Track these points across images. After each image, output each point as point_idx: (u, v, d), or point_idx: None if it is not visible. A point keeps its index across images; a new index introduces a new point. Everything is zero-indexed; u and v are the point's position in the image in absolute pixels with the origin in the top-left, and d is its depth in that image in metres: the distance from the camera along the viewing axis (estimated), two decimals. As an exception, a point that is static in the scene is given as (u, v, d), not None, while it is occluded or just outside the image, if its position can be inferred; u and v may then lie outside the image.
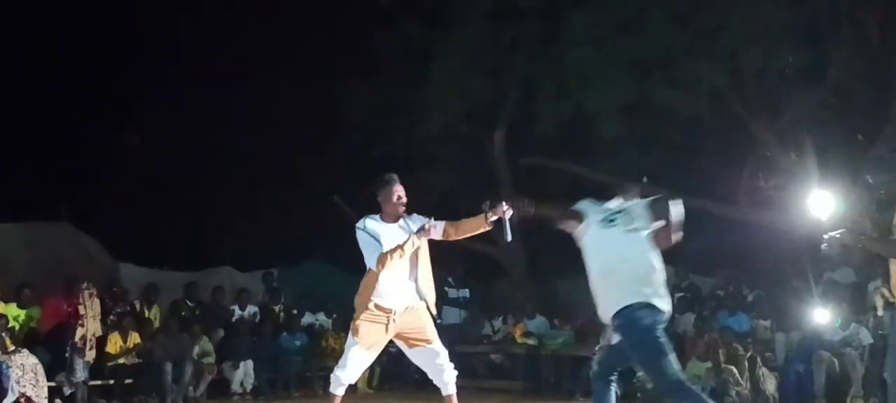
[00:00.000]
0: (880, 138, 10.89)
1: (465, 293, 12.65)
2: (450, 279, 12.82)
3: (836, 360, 8.11)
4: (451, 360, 11.77)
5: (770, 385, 8.41)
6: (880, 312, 4.71)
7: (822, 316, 8.48)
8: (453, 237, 5.62)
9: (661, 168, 13.04)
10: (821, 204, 5.06)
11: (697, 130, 12.42)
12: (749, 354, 8.48)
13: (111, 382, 9.19)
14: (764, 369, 8.45)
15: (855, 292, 9.23)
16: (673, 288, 11.54)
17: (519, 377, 10.92)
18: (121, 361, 9.23)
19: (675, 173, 12.93)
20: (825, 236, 4.68)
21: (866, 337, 8.26)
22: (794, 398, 8.20)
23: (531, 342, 11.09)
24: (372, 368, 10.84)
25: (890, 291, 4.64)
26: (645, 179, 13.26)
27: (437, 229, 5.51)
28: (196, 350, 9.58)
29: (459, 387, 10.90)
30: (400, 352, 11.45)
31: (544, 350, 10.87)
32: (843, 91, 10.96)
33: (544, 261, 14.10)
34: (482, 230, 5.57)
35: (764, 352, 8.75)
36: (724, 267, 12.08)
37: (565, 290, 13.44)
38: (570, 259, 15.10)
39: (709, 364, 8.70)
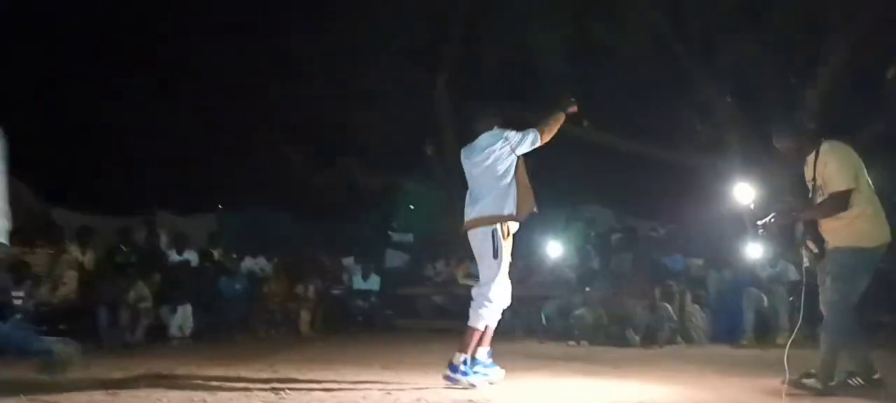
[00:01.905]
0: (814, 79, 11.14)
1: (409, 237, 12.66)
2: (393, 222, 12.81)
3: (764, 297, 8.38)
4: (395, 303, 11.89)
5: (700, 319, 8.67)
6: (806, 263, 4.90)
7: (756, 252, 8.72)
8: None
9: (603, 111, 13.16)
10: (745, 193, 5.24)
11: (638, 72, 12.52)
12: (683, 290, 8.73)
13: (43, 327, 8.95)
14: (696, 306, 8.70)
15: (784, 231, 9.49)
16: (610, 229, 11.84)
17: (461, 317, 11.00)
18: (54, 305, 8.99)
19: (616, 116, 13.09)
20: (759, 224, 4.91)
21: (793, 274, 8.55)
22: (725, 333, 8.47)
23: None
24: (314, 312, 10.87)
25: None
26: (585, 123, 13.49)
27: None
28: (132, 294, 9.39)
29: (402, 329, 11.09)
30: (344, 294, 11.63)
31: (486, 290, 10.98)
32: (779, 32, 11.11)
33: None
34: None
35: (696, 289, 8.99)
36: (661, 209, 12.33)
37: (509, 232, 13.60)
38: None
39: (644, 302, 8.91)
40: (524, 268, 11.42)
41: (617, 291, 9.44)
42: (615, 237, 11.10)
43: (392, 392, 4.98)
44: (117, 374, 5.80)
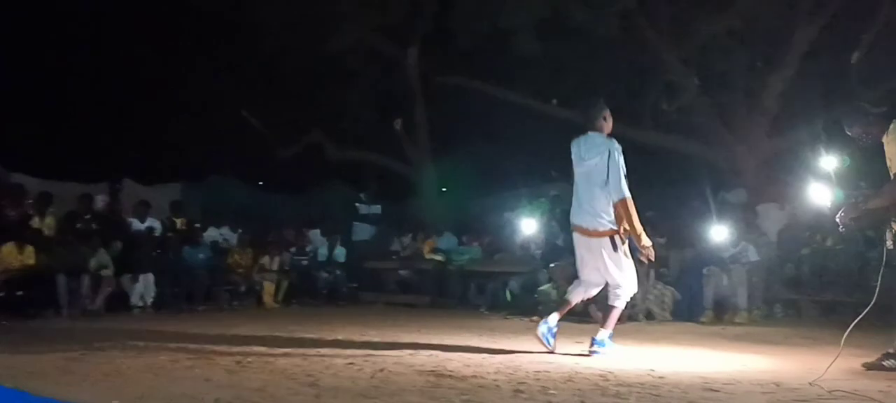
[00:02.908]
0: (781, 65, 11.29)
1: (377, 209, 12.63)
2: (361, 195, 12.76)
3: (724, 275, 8.53)
4: (361, 276, 11.87)
5: (669, 299, 8.78)
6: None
7: (719, 233, 8.84)
8: None
9: (574, 91, 13.23)
10: (821, 195, 5.37)
11: (608, 53, 12.58)
12: (645, 268, 8.81)
13: (2, 294, 8.78)
14: (668, 288, 8.79)
15: (746, 212, 9.66)
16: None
17: (427, 291, 11.08)
18: (14, 272, 8.81)
19: (586, 96, 13.15)
20: (838, 222, 4.88)
21: (753, 254, 8.72)
22: (685, 310, 8.60)
23: (439, 258, 11.25)
24: (279, 283, 10.82)
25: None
26: (555, 101, 13.57)
27: None
28: (93, 262, 9.25)
29: (369, 302, 11.09)
30: (308, 267, 11.58)
31: (451, 265, 11.04)
32: (748, 17, 11.22)
33: (455, 180, 14.23)
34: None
35: (659, 268, 9.10)
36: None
37: (476, 209, 13.64)
38: (482, 179, 15.34)
39: (608, 279, 9.00)
40: (490, 245, 11.51)
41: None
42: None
43: (355, 361, 4.98)
44: (77, 341, 5.72)
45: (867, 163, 5.52)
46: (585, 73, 13.21)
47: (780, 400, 3.72)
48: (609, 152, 5.39)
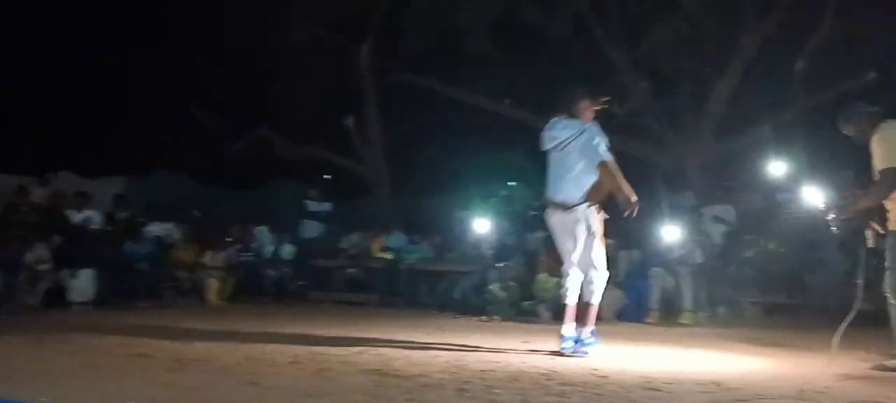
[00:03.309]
0: (728, 71, 11.53)
1: (327, 207, 12.47)
2: (311, 192, 12.60)
3: (671, 277, 8.65)
4: (309, 274, 11.73)
5: (617, 299, 8.85)
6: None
7: (667, 235, 8.96)
8: None
9: (527, 91, 13.30)
10: (815, 195, 5.44)
11: (562, 54, 12.68)
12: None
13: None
14: (618, 289, 8.86)
15: (692, 214, 9.82)
16: (527, 206, 11.96)
17: (376, 290, 10.99)
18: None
19: (539, 97, 13.23)
20: (830, 222, 4.98)
21: (699, 256, 8.86)
22: (631, 310, 8.69)
23: (388, 256, 11.16)
24: (224, 280, 10.62)
25: None
26: (508, 101, 13.62)
27: None
28: (30, 256, 8.95)
29: (317, 301, 10.96)
30: (254, 264, 11.40)
31: (401, 264, 10.97)
32: (696, 22, 11.42)
33: (408, 179, 14.17)
34: None
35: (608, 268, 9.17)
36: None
37: (427, 207, 13.59)
38: (434, 177, 15.28)
39: (557, 279, 9.04)
40: (441, 244, 11.48)
41: (531, 268, 9.57)
42: (531, 214, 11.23)
43: (299, 360, 4.90)
44: (12, 337, 5.51)
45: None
46: (539, 74, 13.29)
47: (719, 400, 3.76)
48: (582, 131, 5.37)
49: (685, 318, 8.37)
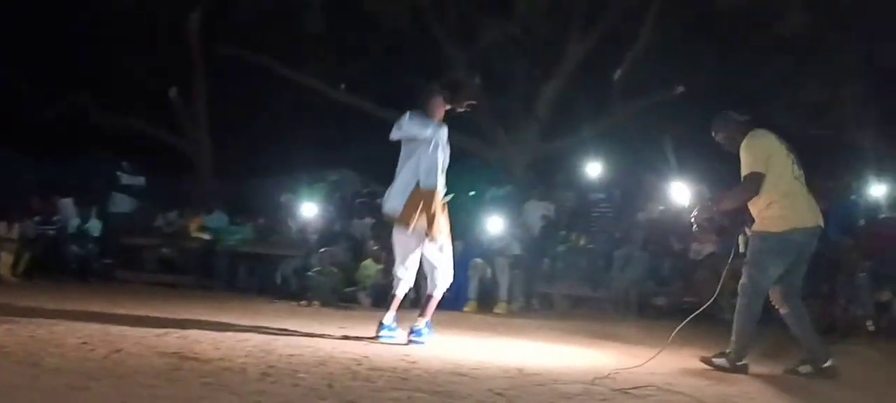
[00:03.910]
0: (554, 76, 12.07)
1: (140, 180, 11.72)
2: (124, 164, 11.79)
3: (488, 268, 8.91)
4: (118, 252, 10.98)
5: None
6: None
7: (488, 227, 9.20)
8: None
9: (363, 78, 13.22)
10: (681, 193, 5.49)
11: (397, 45, 12.71)
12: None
13: None
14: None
15: (512, 208, 10.18)
16: (354, 194, 11.92)
17: (191, 271, 10.47)
18: None
19: (375, 85, 13.21)
20: (692, 221, 5.00)
21: (516, 248, 9.19)
22: (450, 299, 8.83)
23: (206, 236, 10.67)
24: (19, 254, 9.71)
25: None
26: (343, 86, 13.47)
27: None
28: None
29: (124, 281, 10.27)
30: (56, 239, 10.52)
31: (220, 245, 10.52)
32: (527, 27, 11.85)
33: (232, 158, 13.62)
34: None
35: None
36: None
37: (252, 188, 13.15)
38: (260, 158, 14.83)
39: (381, 266, 9.06)
40: (264, 226, 11.13)
41: (355, 254, 9.52)
42: (358, 201, 11.18)
43: (91, 341, 4.52)
44: None
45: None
46: (374, 63, 13.26)
47: (519, 384, 3.89)
48: (433, 140, 5.25)
49: (500, 308, 8.65)
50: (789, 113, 11.69)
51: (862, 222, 8.69)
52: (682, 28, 11.70)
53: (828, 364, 4.59)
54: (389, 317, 5.51)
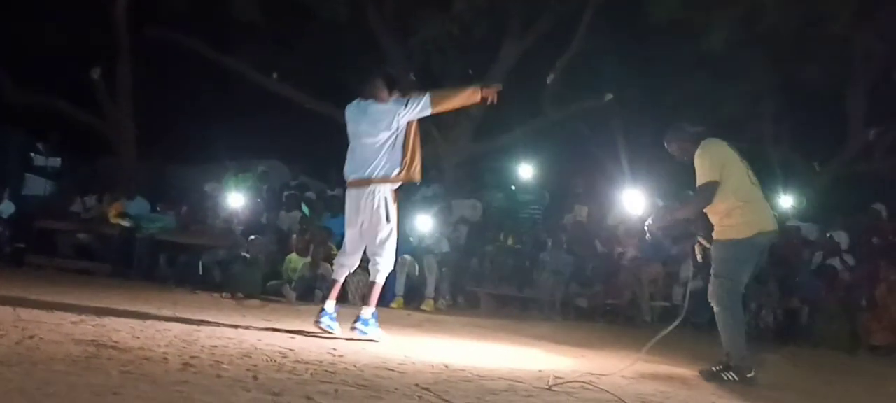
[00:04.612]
0: (490, 73, 12.17)
1: (56, 162, 11.23)
2: (39, 145, 11.28)
3: (417, 264, 8.92)
4: (31, 236, 10.51)
5: (361, 284, 8.94)
6: None
7: (418, 224, 9.21)
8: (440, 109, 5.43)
9: (297, 68, 13.04)
10: (634, 201, 5.49)
11: (336, 36, 12.60)
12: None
13: None
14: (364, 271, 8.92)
15: (441, 205, 10.23)
16: (282, 186, 11.75)
17: (109, 259, 10.10)
18: None
19: (310, 76, 13.05)
20: (646, 228, 5.07)
21: (445, 246, 9.24)
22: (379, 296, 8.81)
23: (126, 223, 10.31)
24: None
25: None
26: (275, 75, 13.25)
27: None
28: None
29: (37, 266, 9.84)
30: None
31: (141, 232, 10.19)
32: (464, 25, 11.93)
33: (156, 143, 13.21)
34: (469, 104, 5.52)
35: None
36: (338, 171, 12.53)
37: (175, 175, 12.79)
38: (185, 145, 14.47)
39: (308, 259, 8.96)
40: (187, 215, 10.84)
41: (282, 247, 9.38)
42: (287, 194, 11.02)
43: (2, 327, 4.31)
44: None
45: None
46: (308, 53, 13.10)
47: (445, 380, 3.91)
48: (394, 115, 5.26)
49: (426, 305, 8.68)
50: (708, 125, 12.19)
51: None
52: (612, 38, 12.01)
53: (751, 374, 4.62)
54: (330, 304, 5.49)
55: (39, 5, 12.43)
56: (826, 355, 7.21)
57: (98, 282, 8.76)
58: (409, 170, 5.38)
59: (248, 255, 8.83)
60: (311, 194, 10.89)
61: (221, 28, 12.81)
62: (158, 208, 10.92)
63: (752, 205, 4.75)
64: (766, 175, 10.68)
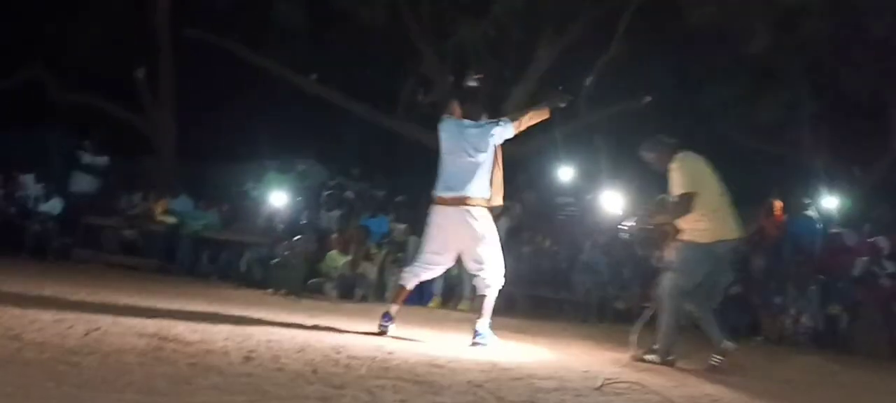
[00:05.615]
0: (525, 78, 12.23)
1: (103, 160, 11.52)
2: (85, 143, 11.56)
3: (454, 265, 8.99)
4: (78, 232, 10.80)
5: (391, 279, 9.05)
6: None
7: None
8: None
9: (333, 68, 13.19)
10: (613, 201, 5.72)
11: (372, 39, 12.72)
12: (384, 252, 9.09)
13: None
14: (396, 269, 9.05)
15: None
16: (322, 184, 11.92)
17: (154, 255, 10.36)
18: None
19: (343, 76, 13.20)
20: (624, 228, 5.44)
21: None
22: (415, 295, 8.90)
23: (171, 220, 10.56)
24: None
25: None
26: (314, 76, 13.43)
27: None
28: None
29: (83, 261, 10.11)
30: (15, 216, 10.27)
31: (185, 229, 10.43)
32: (501, 27, 11.98)
33: (196, 142, 13.47)
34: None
35: (396, 252, 9.39)
36: (376, 171, 12.70)
37: (217, 174, 13.03)
38: (228, 144, 14.67)
39: (348, 258, 9.12)
40: (229, 213, 11.07)
41: (321, 246, 9.54)
42: (325, 193, 11.19)
43: (66, 319, 4.49)
44: None
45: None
46: (347, 55, 13.25)
47: (495, 378, 4.00)
48: (490, 137, 5.49)
49: (463, 305, 8.76)
50: (745, 130, 12.16)
51: (817, 239, 9.04)
52: (648, 41, 11.96)
53: (671, 357, 5.09)
54: (393, 309, 5.61)
55: (83, 6, 12.71)
56: (863, 364, 7.13)
57: (145, 277, 9.00)
58: (495, 195, 5.57)
59: (293, 251, 8.99)
60: (349, 194, 11.04)
61: (260, 28, 13.00)
62: (201, 205, 11.15)
63: (719, 215, 5.16)
64: (806, 181, 10.64)
